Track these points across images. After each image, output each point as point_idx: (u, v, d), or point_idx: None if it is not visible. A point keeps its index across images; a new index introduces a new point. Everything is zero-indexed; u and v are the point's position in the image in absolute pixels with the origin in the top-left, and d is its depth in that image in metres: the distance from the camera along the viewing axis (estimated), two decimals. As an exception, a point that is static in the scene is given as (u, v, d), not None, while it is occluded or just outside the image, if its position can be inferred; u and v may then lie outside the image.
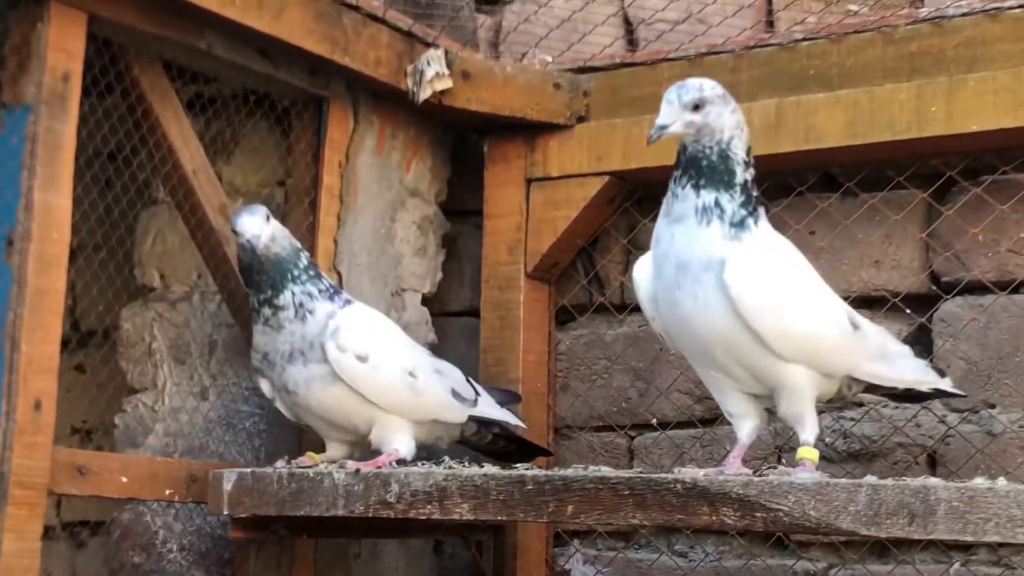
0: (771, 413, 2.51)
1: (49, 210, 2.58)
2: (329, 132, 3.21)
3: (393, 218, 3.39)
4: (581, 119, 3.36)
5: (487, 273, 3.43)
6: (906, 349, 2.63)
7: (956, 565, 2.96)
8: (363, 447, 2.89)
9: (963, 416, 2.98)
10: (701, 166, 2.34)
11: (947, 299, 3.03)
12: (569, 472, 2.46)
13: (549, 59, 3.48)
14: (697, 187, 2.34)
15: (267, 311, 2.80)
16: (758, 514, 2.17)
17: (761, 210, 2.39)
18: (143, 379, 3.38)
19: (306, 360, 2.78)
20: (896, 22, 3.02)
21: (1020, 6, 2.89)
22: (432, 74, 3.22)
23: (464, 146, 3.59)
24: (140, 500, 3.11)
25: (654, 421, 3.34)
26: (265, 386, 2.89)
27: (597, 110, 3.35)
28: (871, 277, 3.12)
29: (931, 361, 2.99)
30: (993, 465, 2.91)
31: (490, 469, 2.66)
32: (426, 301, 3.52)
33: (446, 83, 3.24)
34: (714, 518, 2.21)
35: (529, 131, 3.38)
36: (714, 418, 3.23)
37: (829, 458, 3.07)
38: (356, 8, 3.09)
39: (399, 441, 2.83)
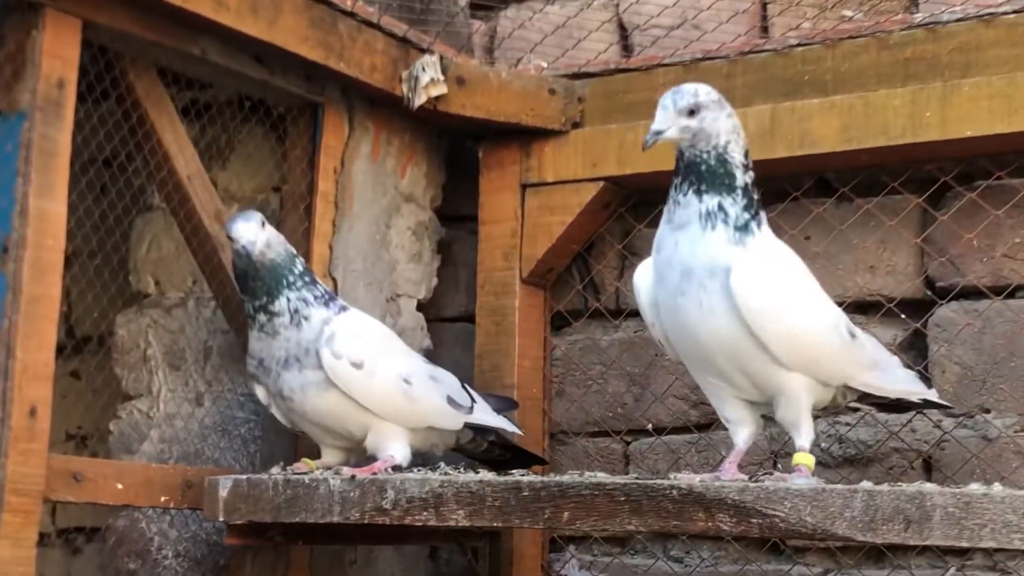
0: (767, 419, 2.52)
1: (44, 217, 2.58)
2: (324, 138, 3.21)
3: (388, 224, 3.39)
4: (576, 125, 3.36)
5: (482, 279, 3.43)
6: (895, 359, 2.64)
7: (952, 570, 2.96)
8: (359, 453, 2.89)
9: (958, 421, 2.98)
10: (700, 171, 2.34)
11: (942, 304, 3.03)
12: (565, 478, 2.45)
13: (544, 65, 3.48)
14: (699, 192, 2.34)
15: (262, 317, 2.80)
16: (754, 520, 2.17)
17: (763, 214, 2.39)
18: (138, 385, 3.37)
19: (301, 366, 2.78)
20: (891, 27, 3.03)
21: (1014, 12, 2.89)
22: (427, 80, 3.22)
23: (459, 152, 3.59)
24: (135, 507, 3.10)
25: (650, 426, 3.34)
26: (260, 392, 2.88)
27: (592, 116, 3.35)
28: (866, 282, 3.13)
29: (926, 367, 3.00)
30: (988, 470, 2.91)
31: (486, 475, 2.66)
32: (421, 307, 3.52)
33: (441, 89, 3.24)
34: (710, 524, 2.20)
35: (524, 137, 3.38)
36: (710, 423, 3.24)
37: (825, 463, 3.07)
38: (351, 14, 3.09)
39: (394, 448, 2.82)
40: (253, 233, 2.75)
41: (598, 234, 3.44)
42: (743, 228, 2.33)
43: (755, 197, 2.37)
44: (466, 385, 3.02)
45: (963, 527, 2.04)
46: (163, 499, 2.87)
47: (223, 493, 2.74)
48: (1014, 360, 2.95)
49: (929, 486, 2.23)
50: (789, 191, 3.14)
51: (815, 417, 2.48)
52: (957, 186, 3.00)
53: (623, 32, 3.70)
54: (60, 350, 2.69)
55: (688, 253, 2.34)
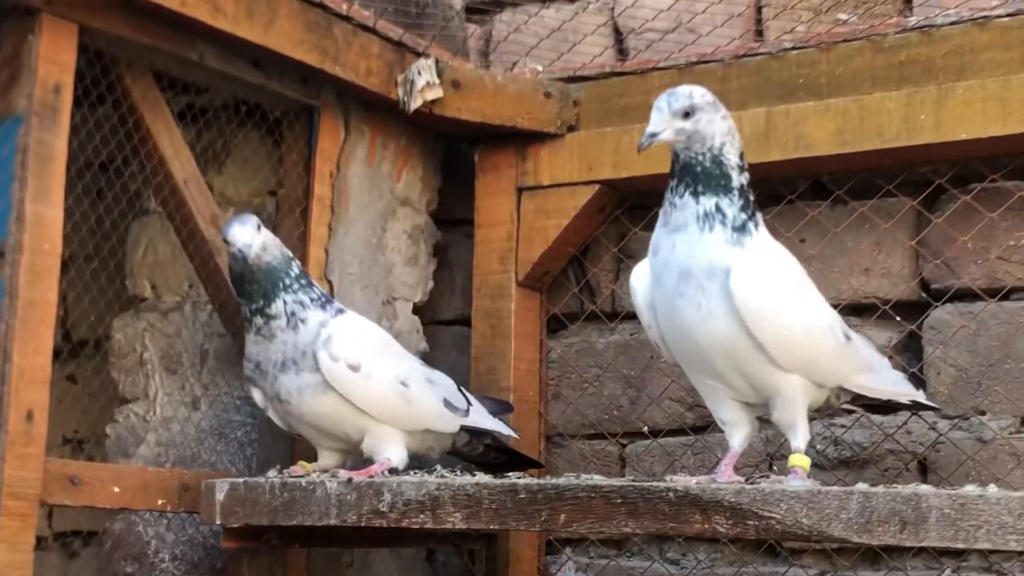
0: (763, 421, 2.52)
1: (40, 221, 2.58)
2: (320, 142, 3.21)
3: (384, 227, 3.39)
4: (572, 128, 3.37)
5: (478, 282, 3.43)
6: (885, 360, 2.65)
7: (948, 572, 2.96)
8: (355, 456, 2.89)
9: (954, 423, 2.99)
10: (696, 173, 2.35)
11: (937, 306, 3.04)
12: (561, 481, 2.45)
13: (539, 68, 3.48)
14: (696, 194, 2.34)
15: (259, 320, 2.80)
16: (750, 522, 2.17)
17: (759, 215, 2.40)
18: (135, 389, 3.37)
19: (298, 369, 2.78)
20: (885, 31, 3.03)
21: (1008, 15, 2.90)
22: (423, 83, 3.23)
23: (455, 155, 3.59)
24: (132, 510, 3.10)
25: (646, 429, 3.35)
26: (257, 395, 2.88)
27: (587, 119, 3.36)
28: (861, 285, 3.13)
29: (921, 369, 3.01)
30: (984, 472, 2.92)
31: (482, 478, 2.66)
32: (417, 310, 3.52)
33: (437, 92, 3.25)
34: (706, 526, 2.21)
35: (520, 140, 3.38)
36: (705, 425, 3.24)
37: (820, 465, 3.07)
38: (347, 18, 3.10)
39: (391, 450, 2.82)
40: (249, 236, 2.75)
41: (594, 237, 3.45)
42: (741, 229, 2.34)
43: (751, 198, 2.38)
44: (462, 388, 3.02)
45: (959, 529, 2.04)
46: (160, 502, 2.87)
47: (220, 496, 2.73)
48: (1009, 362, 2.96)
49: (925, 488, 2.23)
50: (784, 194, 3.15)
51: (810, 419, 2.49)
52: (952, 189, 3.01)
53: (618, 36, 3.70)
54: (57, 354, 2.69)
55: (686, 255, 2.34)
